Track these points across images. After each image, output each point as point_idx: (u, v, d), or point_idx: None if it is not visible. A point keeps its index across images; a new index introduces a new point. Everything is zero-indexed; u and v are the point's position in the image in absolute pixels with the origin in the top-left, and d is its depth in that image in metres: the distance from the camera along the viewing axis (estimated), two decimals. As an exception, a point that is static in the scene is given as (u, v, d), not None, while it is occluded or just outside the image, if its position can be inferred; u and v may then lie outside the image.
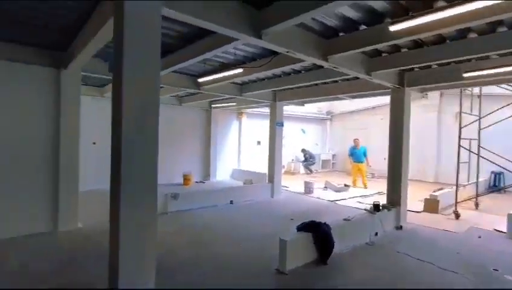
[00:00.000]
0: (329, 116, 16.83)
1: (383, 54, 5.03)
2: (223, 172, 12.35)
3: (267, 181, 9.20)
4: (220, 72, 5.83)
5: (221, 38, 4.05)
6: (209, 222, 6.27)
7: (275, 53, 4.93)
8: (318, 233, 4.16)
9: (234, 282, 3.69)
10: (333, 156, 16.34)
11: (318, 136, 16.84)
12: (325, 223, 4.39)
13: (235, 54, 5.21)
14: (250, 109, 12.54)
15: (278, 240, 3.99)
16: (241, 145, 13.23)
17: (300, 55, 4.06)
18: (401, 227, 5.94)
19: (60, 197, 5.30)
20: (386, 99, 6.97)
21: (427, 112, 12.27)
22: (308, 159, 14.27)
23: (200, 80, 6.71)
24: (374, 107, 14.40)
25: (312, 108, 15.47)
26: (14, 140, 4.95)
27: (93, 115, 8.44)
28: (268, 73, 6.52)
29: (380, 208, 5.62)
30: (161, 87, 8.21)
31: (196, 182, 11.07)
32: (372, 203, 5.82)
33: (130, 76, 2.52)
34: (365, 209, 5.76)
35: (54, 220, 5.28)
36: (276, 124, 9.04)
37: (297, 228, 4.34)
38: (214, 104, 11.47)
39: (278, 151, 9.12)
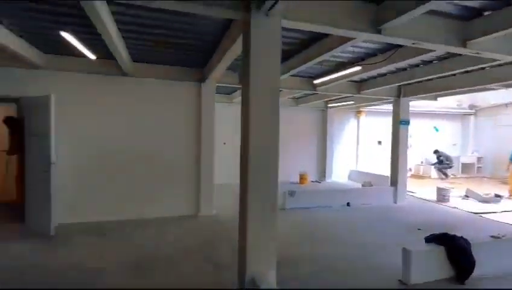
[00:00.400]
0: (472, 111, 13.93)
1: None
2: (339, 173, 12.06)
3: (389, 184, 8.45)
4: (337, 72, 5.78)
5: (338, 39, 4.05)
6: (323, 221, 6.30)
7: (398, 45, 4.54)
8: (453, 247, 3.60)
9: (354, 284, 3.64)
10: (478, 159, 13.43)
11: (457, 134, 14.21)
12: (461, 237, 3.76)
13: (353, 52, 5.07)
14: (369, 107, 11.76)
15: (400, 250, 3.69)
16: (359, 145, 12.58)
17: (429, 45, 3.61)
18: None
19: (201, 188, 6.45)
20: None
21: None
22: (444, 162, 12.22)
23: (316, 81, 6.81)
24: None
25: (448, 101, 13.13)
26: (172, 141, 6.32)
27: (223, 119, 9.78)
28: (391, 67, 6.01)
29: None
30: (280, 90, 8.76)
31: (312, 181, 11.22)
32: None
33: (255, 84, 2.89)
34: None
35: (196, 206, 6.46)
36: (400, 123, 8.19)
37: (426, 239, 3.88)
38: (330, 103, 11.34)
39: (403, 152, 8.24)
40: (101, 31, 3.62)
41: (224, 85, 7.32)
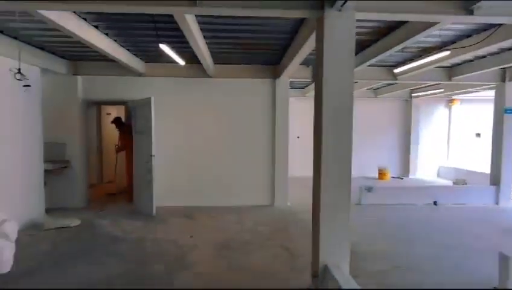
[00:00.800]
0: None
1: None
2: (425, 169, 10.95)
3: (489, 183, 7.36)
4: (421, 59, 5.31)
5: (421, 24, 3.77)
6: (404, 220, 5.92)
7: (497, 24, 3.96)
8: None
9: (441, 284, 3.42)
10: None
11: None
12: None
13: (440, 36, 4.59)
14: (465, 95, 10.29)
15: (496, 255, 3.29)
16: (451, 138, 11.16)
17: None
18: None
19: (276, 180, 6.76)
20: None
21: None
22: None
23: (397, 70, 6.35)
24: None
25: None
26: (249, 136, 6.77)
27: (297, 113, 9.92)
28: (492, 48, 5.22)
29: None
30: (355, 82, 8.41)
31: (393, 177, 10.49)
32: None
33: (327, 80, 2.95)
34: None
35: (271, 197, 6.80)
36: (504, 111, 7.02)
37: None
38: (414, 92, 10.35)
39: (508, 145, 7.06)
40: (190, 40, 4.16)
41: (298, 80, 7.44)
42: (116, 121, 7.54)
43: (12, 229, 3.72)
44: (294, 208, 6.57)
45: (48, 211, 5.77)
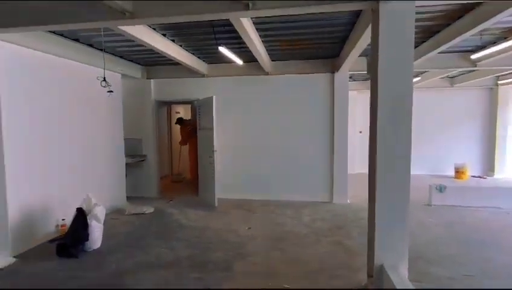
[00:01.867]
0: None
1: None
2: (516, 167, 9.43)
3: None
4: (505, 41, 4.61)
5: (505, 2, 3.29)
6: (485, 224, 5.23)
7: None
8: None
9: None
10: None
11: None
12: None
13: (530, 13, 3.92)
14: None
15: None
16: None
17: None
18: None
19: (335, 176, 6.61)
20: None
21: None
22: None
23: (475, 56, 5.60)
24: None
25: None
26: (307, 131, 6.75)
27: (358, 106, 9.47)
28: None
29: None
30: (425, 71, 7.67)
31: (473, 176, 9.30)
32: None
33: (384, 71, 2.82)
34: None
35: (330, 194, 6.69)
36: None
37: None
38: (501, 79, 8.96)
39: None
40: (246, 40, 4.35)
41: (358, 72, 7.11)
42: (179, 120, 8.54)
43: (101, 212, 4.44)
44: (354, 205, 6.36)
45: (128, 199, 6.66)
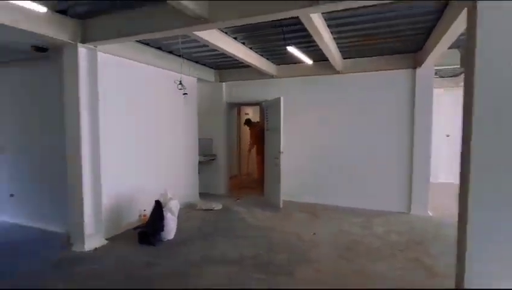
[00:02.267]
0: None
1: None
2: None
3: None
4: None
5: None
6: None
7: None
8: None
9: None
10: None
11: None
12: None
13: None
14: None
15: None
16: None
17: None
18: None
19: (413, 184, 5.91)
20: None
21: None
22: None
23: None
24: None
25: None
26: (383, 134, 6.19)
27: (446, 107, 8.31)
28: None
29: None
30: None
31: None
32: None
33: (482, 67, 2.37)
34: None
35: (407, 204, 6.00)
36: None
37: None
38: None
39: None
40: (316, 38, 4.19)
41: (446, 67, 6.22)
42: (247, 122, 8.71)
43: (175, 206, 4.80)
44: (436, 218, 5.59)
45: (199, 195, 7.09)
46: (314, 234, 4.89)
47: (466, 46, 2.57)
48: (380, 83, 6.17)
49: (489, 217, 2.41)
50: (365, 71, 6.23)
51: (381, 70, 6.13)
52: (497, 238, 2.39)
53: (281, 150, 6.22)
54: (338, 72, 6.32)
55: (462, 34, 4.03)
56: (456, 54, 5.36)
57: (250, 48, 5.55)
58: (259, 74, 6.77)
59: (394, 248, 4.35)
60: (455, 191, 3.03)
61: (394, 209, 6.08)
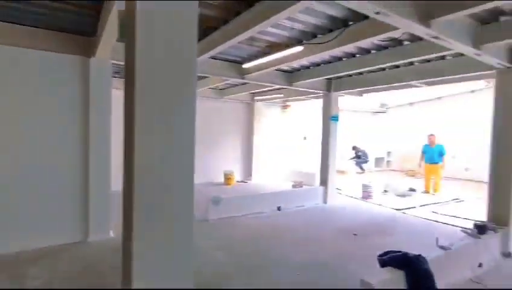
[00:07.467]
0: (383, 109, 14.86)
1: (502, 18, 3.55)
2: (266, 171, 11.26)
3: (318, 184, 8.00)
4: (270, 54, 4.74)
5: (265, 10, 3.00)
6: (256, 234, 5.28)
7: (345, 25, 3.76)
8: (415, 273, 2.95)
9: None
10: (388, 153, 14.54)
11: (371, 130, 14.95)
12: (419, 255, 3.15)
13: (292, 29, 4.08)
14: (296, 102, 11.25)
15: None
16: (286, 141, 11.90)
17: (395, 19, 2.81)
18: (509, 254, 4.45)
19: (90, 202, 4.66)
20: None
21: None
22: (361, 157, 12.76)
23: (246, 65, 5.62)
24: (440, 98, 12.35)
25: (363, 99, 13.59)
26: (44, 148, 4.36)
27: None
28: (326, 55, 5.31)
29: (487, 228, 4.19)
30: (206, 76, 7.28)
31: (237, 181, 10.19)
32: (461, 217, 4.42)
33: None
34: (464, 231, 4.34)
35: (84, 229, 4.65)
36: (330, 119, 7.75)
37: (381, 261, 3.15)
38: (257, 96, 10.44)
39: (333, 150, 7.84)
40: None
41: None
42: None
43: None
44: (119, 240, 4.71)
45: None
46: None
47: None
48: (41, 68, 4.34)
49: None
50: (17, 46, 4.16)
51: (42, 49, 4.34)
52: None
53: None
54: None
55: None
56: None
57: None
58: None
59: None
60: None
61: (67, 240, 4.53)
